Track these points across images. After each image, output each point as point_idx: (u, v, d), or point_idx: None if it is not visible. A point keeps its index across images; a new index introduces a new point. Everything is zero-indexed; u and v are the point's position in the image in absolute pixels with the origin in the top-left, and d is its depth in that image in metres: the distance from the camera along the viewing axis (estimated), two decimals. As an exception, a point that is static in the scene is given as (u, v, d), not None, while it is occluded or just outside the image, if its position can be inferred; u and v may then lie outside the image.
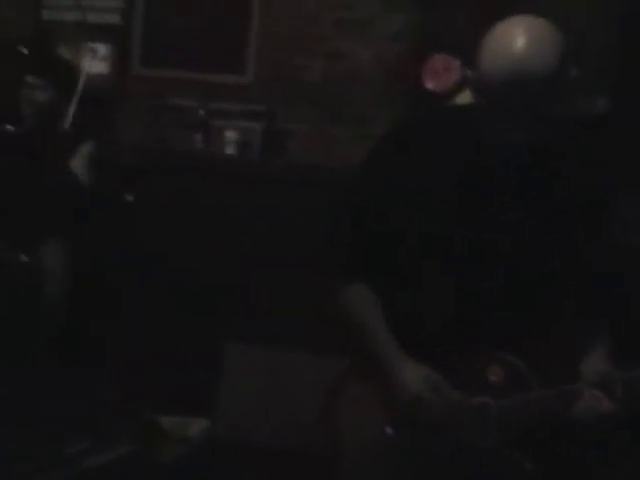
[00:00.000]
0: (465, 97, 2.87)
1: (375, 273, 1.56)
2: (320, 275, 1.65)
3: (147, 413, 2.29)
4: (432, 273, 1.51)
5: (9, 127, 2.30)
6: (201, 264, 3.11)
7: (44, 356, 2.33)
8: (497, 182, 1.45)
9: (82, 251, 2.32)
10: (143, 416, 2.25)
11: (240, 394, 2.94)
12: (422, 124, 1.62)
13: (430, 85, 3.05)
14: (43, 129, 2.76)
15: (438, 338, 1.50)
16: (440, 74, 3.02)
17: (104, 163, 2.84)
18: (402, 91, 3.19)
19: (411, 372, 1.47)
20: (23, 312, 2.25)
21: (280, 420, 2.84)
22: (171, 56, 3.57)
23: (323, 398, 1.62)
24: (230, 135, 3.39)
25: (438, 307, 1.51)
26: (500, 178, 1.45)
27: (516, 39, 1.32)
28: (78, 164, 2.76)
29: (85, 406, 2.11)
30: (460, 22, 3.08)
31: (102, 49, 3.59)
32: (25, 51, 3.11)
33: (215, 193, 3.18)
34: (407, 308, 1.55)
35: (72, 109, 2.87)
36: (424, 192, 1.48)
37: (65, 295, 2.37)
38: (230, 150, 3.39)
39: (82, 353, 2.44)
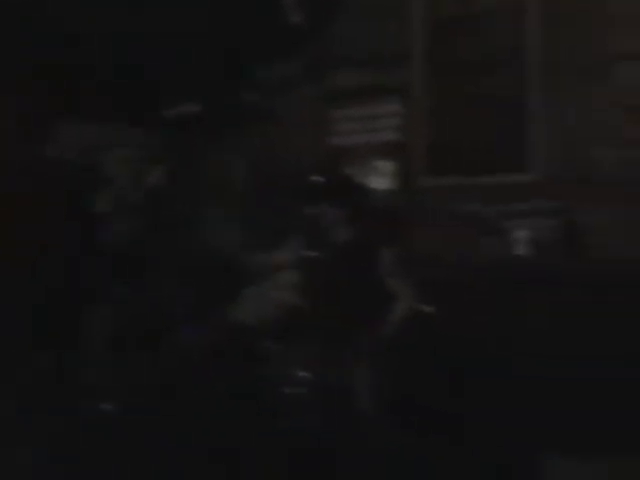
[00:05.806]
0: None
1: None
2: None
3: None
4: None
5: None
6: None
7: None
8: None
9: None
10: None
11: None
12: None
13: None
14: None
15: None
16: None
17: (399, 274, 2.87)
18: None
19: None
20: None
21: None
22: (453, 164, 3.62)
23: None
24: (520, 235, 3.31)
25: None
26: None
27: None
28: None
29: None
30: None
31: (386, 166, 3.75)
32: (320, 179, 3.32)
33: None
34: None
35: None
36: None
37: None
38: (520, 251, 3.32)
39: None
